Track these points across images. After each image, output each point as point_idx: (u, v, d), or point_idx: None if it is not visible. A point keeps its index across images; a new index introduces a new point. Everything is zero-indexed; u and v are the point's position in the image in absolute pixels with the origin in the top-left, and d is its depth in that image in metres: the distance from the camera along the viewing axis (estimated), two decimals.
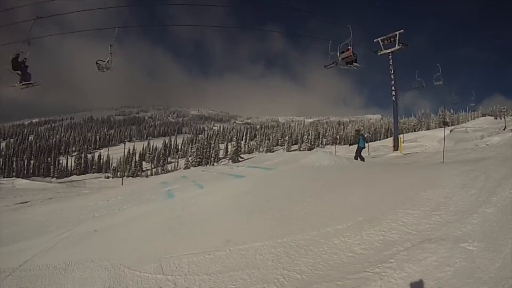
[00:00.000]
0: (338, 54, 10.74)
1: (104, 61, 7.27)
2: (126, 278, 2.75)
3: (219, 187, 6.12)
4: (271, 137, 71.65)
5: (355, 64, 11.02)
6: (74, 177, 58.28)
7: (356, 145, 9.84)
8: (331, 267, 2.24)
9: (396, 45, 13.39)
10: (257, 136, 77.27)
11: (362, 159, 9.71)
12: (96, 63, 7.26)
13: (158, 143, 69.74)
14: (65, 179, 56.41)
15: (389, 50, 13.61)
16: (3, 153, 64.74)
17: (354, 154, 9.77)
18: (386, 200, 3.17)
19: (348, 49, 10.67)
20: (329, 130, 77.11)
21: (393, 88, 13.78)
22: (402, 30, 13.42)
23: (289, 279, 2.25)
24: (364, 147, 10.05)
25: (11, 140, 75.20)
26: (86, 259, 3.36)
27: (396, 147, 13.49)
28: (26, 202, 15.00)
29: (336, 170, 6.30)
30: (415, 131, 60.62)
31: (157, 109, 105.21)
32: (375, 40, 14.01)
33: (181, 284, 2.47)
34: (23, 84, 6.88)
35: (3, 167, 60.94)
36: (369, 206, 3.11)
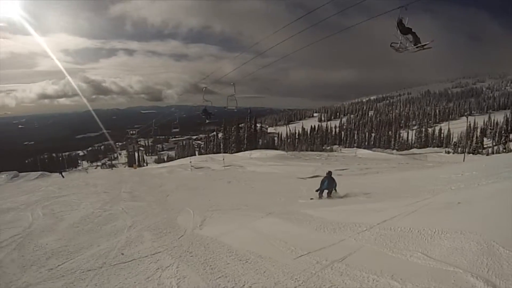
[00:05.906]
0: None
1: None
2: (500, 258, 2.66)
3: None
4: None
5: None
6: (414, 150, 58.64)
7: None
8: None
9: None
10: None
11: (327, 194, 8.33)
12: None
13: (499, 117, 60.73)
14: (405, 151, 57.61)
15: None
16: (344, 126, 75.94)
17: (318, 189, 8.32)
18: None
19: None
20: None
21: None
22: None
23: None
24: (329, 189, 8.40)
25: (351, 116, 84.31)
26: (455, 229, 3.31)
27: None
28: (343, 169, 16.45)
29: None
30: None
31: (493, 78, 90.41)
32: None
33: None
34: (416, 47, 7.23)
35: (344, 139, 70.41)
36: None
